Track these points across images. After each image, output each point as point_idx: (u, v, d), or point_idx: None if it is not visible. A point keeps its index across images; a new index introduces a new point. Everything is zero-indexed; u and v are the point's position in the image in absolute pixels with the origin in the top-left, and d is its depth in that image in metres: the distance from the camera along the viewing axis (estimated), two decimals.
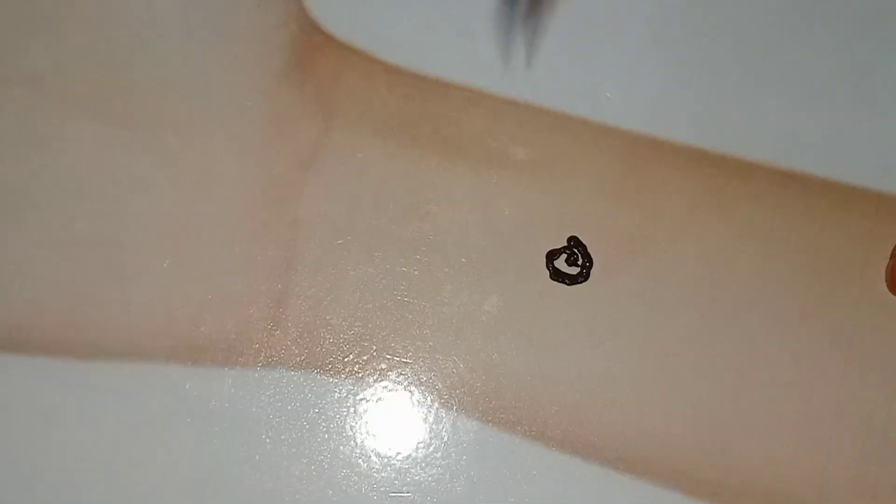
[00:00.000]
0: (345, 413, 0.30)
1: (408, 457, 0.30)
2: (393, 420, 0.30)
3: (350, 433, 0.30)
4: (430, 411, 0.30)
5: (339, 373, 0.30)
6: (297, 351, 0.30)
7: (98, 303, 0.30)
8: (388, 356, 0.30)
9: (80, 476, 0.30)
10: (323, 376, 0.30)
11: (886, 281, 0.31)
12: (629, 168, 0.31)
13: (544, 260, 0.31)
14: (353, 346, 0.30)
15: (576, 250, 0.31)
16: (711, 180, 0.31)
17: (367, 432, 0.30)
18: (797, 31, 0.32)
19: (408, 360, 0.30)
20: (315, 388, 0.30)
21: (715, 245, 0.31)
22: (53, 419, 0.30)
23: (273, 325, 0.30)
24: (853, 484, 0.30)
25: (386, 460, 0.30)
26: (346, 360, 0.30)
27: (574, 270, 0.31)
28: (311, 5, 0.32)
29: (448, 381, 0.30)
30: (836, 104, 0.32)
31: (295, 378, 0.30)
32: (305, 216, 0.31)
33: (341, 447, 0.30)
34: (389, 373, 0.30)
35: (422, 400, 0.30)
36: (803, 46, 0.32)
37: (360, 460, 0.30)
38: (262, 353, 0.30)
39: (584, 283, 0.31)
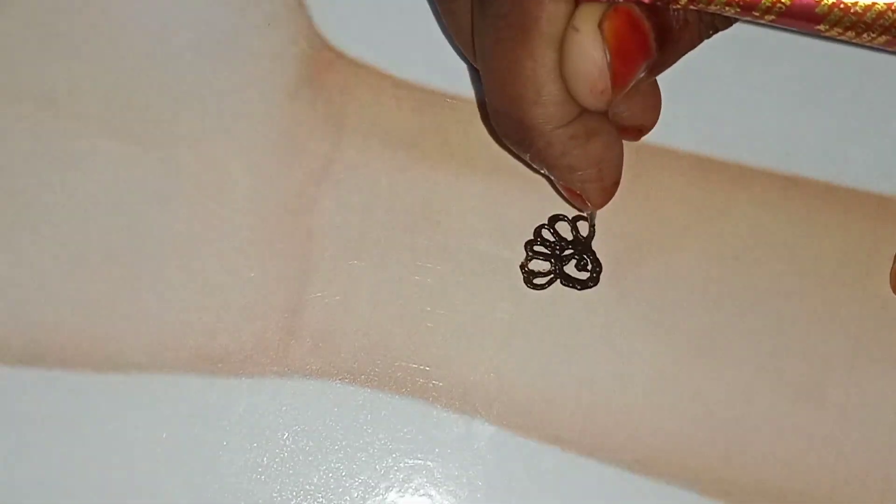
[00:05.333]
0: (361, 421, 0.30)
1: (424, 463, 0.30)
2: (409, 427, 0.30)
3: (367, 441, 0.30)
4: (446, 417, 0.30)
5: (354, 381, 0.31)
6: (312, 360, 0.30)
7: (115, 316, 0.30)
8: (403, 364, 0.31)
9: (98, 487, 0.30)
10: (339, 385, 0.30)
11: (891, 285, 0.32)
12: (636, 176, 0.32)
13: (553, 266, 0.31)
14: (368, 354, 0.31)
15: (585, 256, 0.31)
16: (715, 186, 0.32)
17: (384, 439, 0.30)
18: (797, 35, 0.33)
19: (422, 367, 0.31)
20: (331, 397, 0.30)
21: (720, 250, 0.32)
22: (71, 432, 0.30)
23: (288, 335, 0.31)
24: (862, 481, 0.31)
25: (402, 467, 0.30)
26: (361, 368, 0.31)
27: (584, 276, 0.31)
28: (321, 23, 0.32)
29: (462, 387, 0.31)
30: (835, 109, 0.32)
31: (311, 387, 0.30)
32: (318, 227, 0.31)
33: (358, 454, 0.30)
34: (404, 380, 0.31)
35: (437, 406, 0.30)
36: (803, 51, 0.33)
37: (376, 467, 0.30)
38: (278, 363, 0.30)
39: (593, 289, 0.31)
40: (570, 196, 0.28)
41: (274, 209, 0.31)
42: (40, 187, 0.31)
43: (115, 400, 0.30)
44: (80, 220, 0.31)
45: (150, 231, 0.31)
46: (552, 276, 0.31)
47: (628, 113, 0.29)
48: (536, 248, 0.31)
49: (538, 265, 0.31)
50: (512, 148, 0.27)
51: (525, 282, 0.31)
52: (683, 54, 0.25)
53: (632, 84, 0.24)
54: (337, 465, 0.30)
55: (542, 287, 0.31)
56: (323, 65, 0.32)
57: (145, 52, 0.32)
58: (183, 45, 0.32)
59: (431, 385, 0.31)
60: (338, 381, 0.30)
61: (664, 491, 0.30)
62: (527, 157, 0.26)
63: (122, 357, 0.30)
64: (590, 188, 0.27)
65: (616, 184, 0.27)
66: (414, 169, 0.32)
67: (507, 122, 0.26)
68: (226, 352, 0.30)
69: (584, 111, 0.25)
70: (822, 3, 0.22)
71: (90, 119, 0.31)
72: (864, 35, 0.22)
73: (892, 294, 0.32)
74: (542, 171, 0.27)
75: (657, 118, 0.29)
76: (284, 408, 0.30)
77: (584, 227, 0.32)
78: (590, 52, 0.23)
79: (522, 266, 0.31)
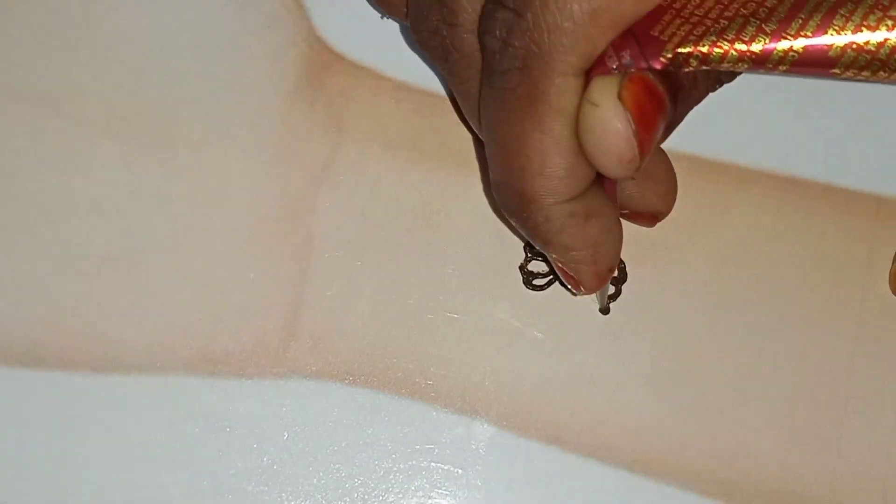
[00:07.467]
0: (361, 422, 0.30)
1: (423, 464, 0.30)
2: (408, 428, 0.30)
3: (366, 441, 0.30)
4: (445, 418, 0.30)
5: (354, 382, 0.31)
6: (312, 361, 0.31)
7: (115, 317, 0.30)
8: (403, 364, 0.31)
9: (98, 488, 0.30)
10: (338, 385, 0.30)
11: (890, 285, 0.32)
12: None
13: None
14: (368, 355, 0.31)
15: None
16: (714, 187, 0.32)
17: (384, 440, 0.30)
18: None
19: (422, 368, 0.31)
20: (331, 398, 0.30)
21: (720, 250, 0.32)
22: (72, 433, 0.30)
23: (288, 336, 0.31)
24: (862, 482, 0.31)
25: (402, 468, 0.30)
26: (360, 369, 0.31)
27: None
28: (320, 25, 0.33)
29: (462, 388, 0.31)
30: (835, 110, 0.33)
31: (311, 387, 0.30)
32: (318, 229, 0.31)
33: (358, 455, 0.30)
34: (404, 381, 0.31)
35: (436, 407, 0.30)
36: None
37: (376, 468, 0.30)
38: (278, 364, 0.30)
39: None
40: (564, 277, 0.28)
41: (273, 210, 0.31)
42: (40, 188, 0.31)
43: (114, 401, 0.30)
44: (80, 221, 0.31)
45: (150, 232, 0.31)
46: (551, 276, 0.31)
47: (642, 198, 0.29)
48: (536, 248, 0.31)
49: (537, 266, 0.31)
50: (511, 220, 0.27)
51: (524, 283, 0.31)
52: (692, 108, 0.26)
53: (655, 146, 0.24)
54: (336, 467, 0.30)
55: (541, 288, 0.31)
56: (322, 66, 0.32)
57: (145, 53, 0.32)
58: (182, 46, 0.32)
59: (431, 386, 0.31)
60: (337, 381, 0.30)
61: (664, 491, 0.30)
62: (525, 232, 0.26)
63: (122, 358, 0.30)
64: (583, 270, 0.27)
65: (611, 270, 0.27)
66: (413, 170, 0.32)
67: (508, 193, 0.26)
68: (225, 353, 0.30)
69: (586, 191, 0.25)
70: (835, 45, 0.22)
71: (90, 120, 0.31)
72: (881, 73, 0.22)
73: (892, 295, 0.32)
74: (538, 247, 0.27)
75: (673, 204, 0.30)
76: (284, 409, 0.30)
77: None
78: (615, 125, 0.23)
79: (522, 267, 0.31)
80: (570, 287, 0.28)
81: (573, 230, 0.26)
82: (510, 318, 0.31)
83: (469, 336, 0.31)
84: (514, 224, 0.27)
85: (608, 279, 0.28)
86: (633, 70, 0.23)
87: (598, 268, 0.27)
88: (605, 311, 0.31)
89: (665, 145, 0.32)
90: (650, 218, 0.30)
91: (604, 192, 0.26)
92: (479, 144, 0.32)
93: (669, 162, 0.29)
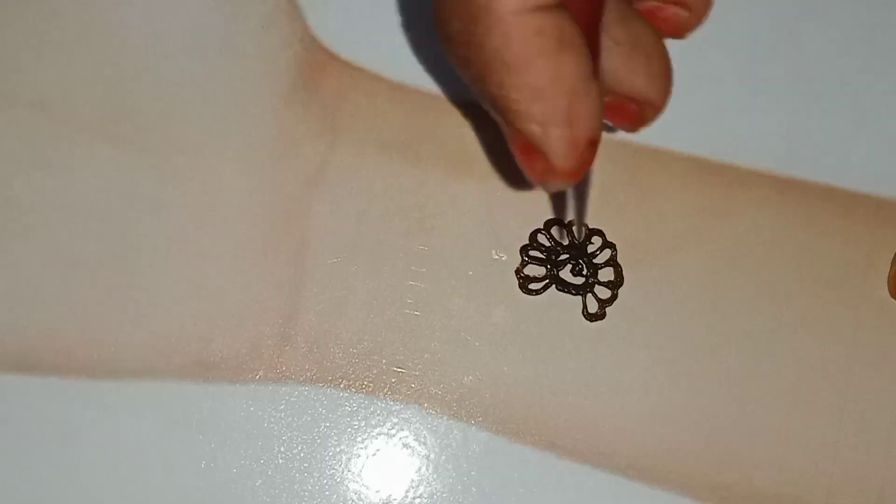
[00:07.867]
0: (356, 427, 0.30)
1: (419, 469, 0.30)
2: (403, 433, 0.30)
3: (361, 446, 0.30)
4: (440, 423, 0.30)
5: (349, 387, 0.30)
6: (307, 366, 0.30)
7: (109, 323, 0.30)
8: (398, 369, 0.31)
9: (92, 494, 0.30)
10: (333, 391, 0.30)
11: (889, 288, 0.31)
12: (633, 178, 0.32)
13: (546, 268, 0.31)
14: (363, 359, 0.31)
15: (581, 261, 0.31)
16: (713, 188, 0.32)
17: (378, 445, 0.30)
18: (795, 38, 0.32)
19: (417, 373, 0.31)
20: (326, 403, 0.30)
21: (718, 252, 0.32)
22: (67, 439, 0.30)
23: (283, 341, 0.30)
24: (858, 486, 0.31)
25: (397, 473, 0.30)
26: (355, 374, 0.30)
27: (579, 280, 0.31)
28: (315, 25, 0.32)
29: (457, 393, 0.31)
30: (834, 111, 0.32)
31: (305, 393, 0.30)
32: (313, 232, 0.31)
33: (353, 460, 0.30)
34: (399, 386, 0.31)
35: (431, 412, 0.30)
36: (801, 53, 0.32)
37: (371, 473, 0.30)
38: (273, 369, 0.30)
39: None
40: (526, 156, 0.21)
41: (268, 213, 0.31)
42: (33, 193, 0.31)
43: (109, 407, 0.30)
44: (74, 225, 0.31)
45: (144, 237, 0.31)
46: (547, 281, 0.31)
47: (629, 77, 0.23)
48: (532, 252, 0.31)
49: (534, 270, 0.31)
50: (457, 55, 0.20)
51: (520, 287, 0.31)
52: None
53: None
54: (331, 472, 0.30)
55: (537, 292, 0.31)
56: (317, 67, 0.32)
57: (139, 56, 0.32)
58: (177, 48, 0.32)
59: (426, 391, 0.30)
60: (332, 386, 0.30)
61: (659, 496, 0.30)
62: (478, 69, 0.20)
63: (117, 364, 0.30)
64: (554, 136, 0.20)
65: (592, 144, 0.20)
66: (409, 173, 0.32)
67: (454, 5, 0.19)
68: (220, 358, 0.30)
69: (554, 6, 0.19)
70: None
71: (84, 124, 0.31)
72: None
73: (890, 298, 0.31)
74: (494, 106, 0.20)
75: (665, 93, 0.24)
76: (279, 414, 0.30)
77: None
78: None
79: (518, 271, 0.31)
80: (532, 177, 0.21)
81: (542, 62, 0.19)
82: (506, 323, 0.31)
83: (464, 341, 0.31)
84: (461, 64, 0.20)
85: (588, 159, 0.21)
86: None
87: (573, 133, 0.20)
88: (600, 316, 0.31)
89: (663, 144, 0.32)
90: (637, 112, 0.24)
91: (578, 26, 0.20)
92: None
93: (662, 43, 0.24)
